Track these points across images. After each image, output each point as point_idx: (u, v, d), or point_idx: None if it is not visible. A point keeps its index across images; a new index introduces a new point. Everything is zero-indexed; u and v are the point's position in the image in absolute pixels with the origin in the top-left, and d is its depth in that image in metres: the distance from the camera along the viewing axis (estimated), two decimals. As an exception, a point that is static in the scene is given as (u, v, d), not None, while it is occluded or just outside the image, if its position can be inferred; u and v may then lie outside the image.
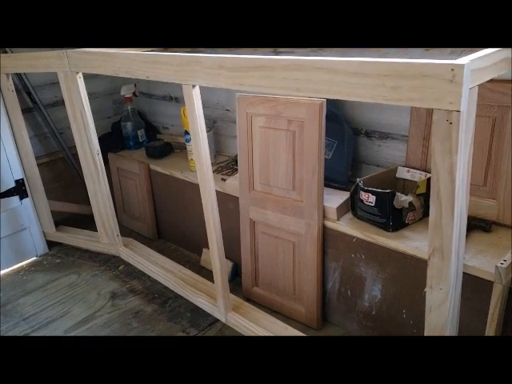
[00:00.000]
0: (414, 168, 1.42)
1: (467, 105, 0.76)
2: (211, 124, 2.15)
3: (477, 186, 1.31)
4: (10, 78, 1.92)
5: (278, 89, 1.02)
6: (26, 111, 2.19)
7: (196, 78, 1.21)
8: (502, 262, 1.06)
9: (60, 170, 2.42)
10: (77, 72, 1.67)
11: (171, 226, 2.14)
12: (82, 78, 1.69)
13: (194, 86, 1.25)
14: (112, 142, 2.39)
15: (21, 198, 2.04)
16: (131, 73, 1.42)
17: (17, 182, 2.02)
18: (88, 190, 1.95)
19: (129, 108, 2.32)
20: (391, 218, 1.30)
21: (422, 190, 1.33)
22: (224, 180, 1.81)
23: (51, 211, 2.17)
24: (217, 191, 1.73)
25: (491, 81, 0.85)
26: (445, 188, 0.81)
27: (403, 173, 1.44)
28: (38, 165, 2.12)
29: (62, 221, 2.29)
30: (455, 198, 0.81)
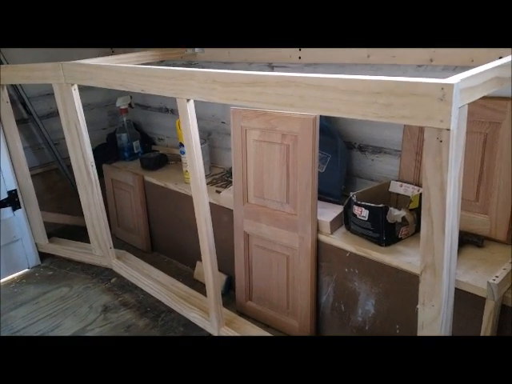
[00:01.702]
0: (406, 182, 1.43)
1: (457, 123, 0.76)
2: (206, 136, 2.16)
3: (469, 201, 1.31)
4: (5, 90, 1.92)
5: (272, 104, 1.02)
6: (20, 122, 2.20)
7: (190, 92, 1.22)
8: (494, 278, 1.06)
9: (54, 181, 2.41)
10: (72, 84, 1.67)
11: (165, 239, 2.13)
12: (76, 90, 1.69)
13: (188, 100, 1.26)
14: (107, 153, 2.39)
15: (13, 209, 2.03)
16: (125, 86, 1.42)
17: (10, 192, 2.01)
18: (81, 201, 1.94)
19: (124, 119, 2.32)
20: (384, 232, 1.30)
21: (414, 204, 1.34)
22: (218, 192, 1.81)
23: (44, 222, 2.16)
24: (211, 203, 1.73)
25: (483, 97, 0.86)
26: (436, 204, 0.82)
27: (396, 187, 1.44)
28: (32, 176, 2.12)
29: (55, 232, 2.28)
30: (446, 215, 0.81)
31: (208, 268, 1.50)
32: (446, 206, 0.80)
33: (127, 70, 1.39)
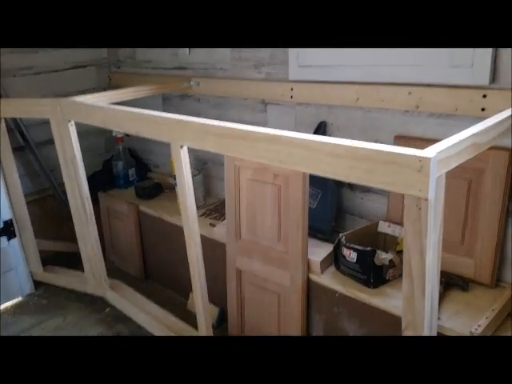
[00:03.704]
0: (394, 223, 1.47)
1: (435, 192, 0.80)
2: (201, 165, 2.20)
3: (454, 244, 1.35)
4: (3, 122, 1.96)
5: (262, 158, 1.06)
6: (17, 149, 2.23)
7: (184, 139, 1.26)
8: (476, 327, 1.09)
9: (50, 207, 2.44)
10: (69, 120, 1.71)
11: (159, 268, 2.16)
12: (73, 126, 1.72)
13: (182, 146, 1.29)
14: (103, 180, 2.42)
15: (8, 239, 2.05)
16: (121, 127, 1.46)
17: (5, 222, 2.03)
18: (76, 232, 1.97)
19: (120, 148, 2.36)
20: (372, 274, 1.34)
21: (402, 246, 1.37)
22: (212, 225, 1.84)
23: (39, 250, 2.18)
24: (205, 237, 1.77)
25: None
26: (416, 267, 0.85)
27: (384, 227, 1.48)
28: (28, 202, 2.14)
29: (50, 258, 2.29)
30: (426, 278, 0.85)
31: (199, 302, 1.53)
32: (426, 269, 0.84)
33: (123, 113, 1.42)
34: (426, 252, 0.83)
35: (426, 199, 0.79)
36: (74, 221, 1.95)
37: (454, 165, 0.84)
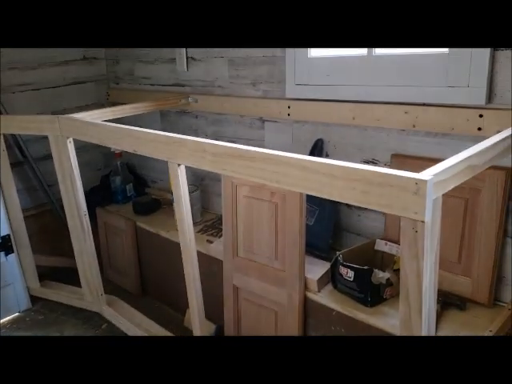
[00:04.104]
0: (392, 241, 1.47)
1: (431, 214, 0.80)
2: (199, 181, 2.20)
3: (452, 263, 1.35)
4: (2, 138, 1.96)
5: (259, 178, 1.06)
6: (16, 165, 2.23)
7: (181, 157, 1.26)
8: (474, 348, 1.09)
9: (47, 222, 2.43)
10: (67, 137, 1.71)
11: (156, 284, 2.15)
12: (72, 143, 1.73)
13: (179, 165, 1.30)
14: (100, 195, 2.42)
15: (6, 254, 2.05)
16: (119, 144, 1.47)
17: (3, 238, 2.03)
18: (74, 248, 1.96)
19: (118, 163, 2.36)
20: (369, 293, 1.33)
21: (399, 265, 1.37)
22: (209, 242, 1.84)
23: (36, 265, 2.17)
24: (202, 253, 1.77)
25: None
26: (413, 290, 0.85)
27: (381, 246, 1.48)
28: (26, 217, 2.14)
29: (47, 272, 2.28)
30: (423, 300, 0.84)
31: (196, 319, 1.52)
32: (423, 292, 0.84)
33: (121, 130, 1.43)
34: (423, 274, 0.83)
35: (423, 222, 0.79)
36: (72, 236, 1.94)
37: (450, 187, 0.84)
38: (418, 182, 0.78)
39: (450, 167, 0.83)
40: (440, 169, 0.81)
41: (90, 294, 2.01)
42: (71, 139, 1.73)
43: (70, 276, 2.23)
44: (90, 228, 1.89)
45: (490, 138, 0.98)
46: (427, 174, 0.78)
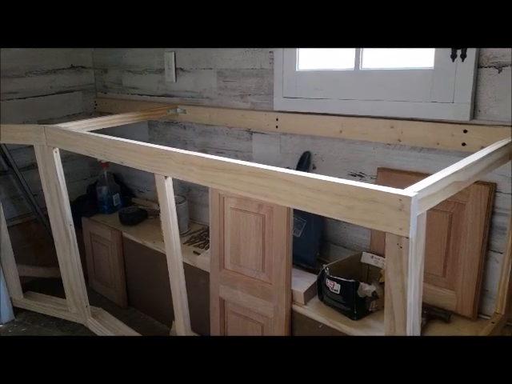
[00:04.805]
0: (377, 254, 1.48)
1: (416, 231, 0.81)
2: (186, 192, 2.20)
3: (436, 276, 1.37)
4: (-13, 147, 1.94)
5: (246, 192, 1.06)
6: (0, 174, 2.21)
7: (168, 170, 1.26)
8: (458, 362, 1.09)
9: (32, 232, 2.40)
10: (53, 147, 1.70)
11: (142, 295, 2.13)
12: (58, 153, 1.71)
13: (166, 177, 1.29)
14: (87, 205, 2.40)
15: (-11, 265, 2.01)
16: (106, 156, 1.46)
17: (-14, 248, 1.99)
18: (58, 259, 1.93)
19: (105, 173, 2.35)
20: (355, 306, 1.33)
21: (384, 278, 1.38)
22: (196, 253, 1.83)
23: (20, 276, 2.14)
24: (188, 265, 1.76)
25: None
26: (398, 305, 0.85)
27: (368, 258, 1.48)
28: (10, 226, 2.11)
29: (31, 283, 2.24)
30: (407, 315, 0.85)
31: (182, 331, 1.50)
32: (407, 307, 0.84)
33: (108, 141, 1.42)
34: (407, 289, 0.83)
35: (407, 238, 0.80)
36: (56, 247, 1.92)
37: (435, 203, 0.85)
38: (402, 198, 0.78)
39: (435, 183, 0.84)
40: (425, 185, 0.82)
41: (74, 305, 1.98)
42: (57, 149, 1.71)
43: (54, 287, 2.20)
44: (76, 239, 1.87)
45: (474, 154, 1.00)
46: (411, 191, 0.79)
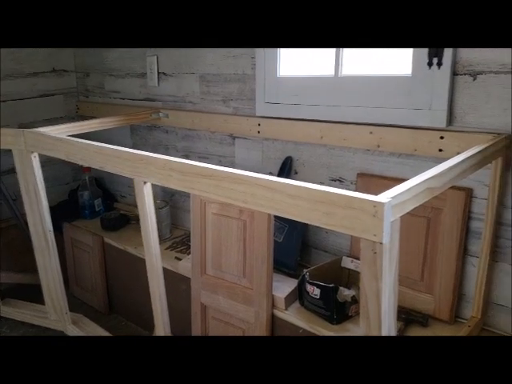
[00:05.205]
0: (357, 258, 1.49)
1: (390, 236, 0.82)
2: (169, 197, 2.19)
3: (414, 281, 1.38)
4: (-36, 151, 1.91)
5: (226, 198, 1.06)
6: (-21, 179, 2.17)
7: (148, 175, 1.25)
8: (435, 365, 1.11)
9: (12, 237, 2.36)
10: (32, 152, 1.68)
11: (123, 301, 2.11)
12: (37, 158, 1.69)
13: (145, 183, 1.29)
14: (68, 210, 2.37)
15: (-34, 271, 1.97)
16: (85, 161, 1.45)
17: (-37, 254, 1.96)
18: (38, 265, 1.91)
19: (87, 177, 2.33)
20: (335, 311, 1.34)
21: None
22: (178, 259, 1.82)
23: (-1, 282, 2.11)
24: (169, 270, 1.75)
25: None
26: (372, 309, 0.86)
27: (347, 263, 1.50)
28: (-11, 232, 2.08)
29: (9, 289, 2.20)
30: (382, 319, 0.86)
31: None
32: (382, 311, 0.85)
33: (88, 146, 1.41)
34: (382, 294, 0.84)
35: (381, 243, 0.81)
36: (36, 253, 1.89)
37: (409, 209, 0.87)
38: (375, 204, 0.79)
39: (408, 189, 0.86)
40: (398, 191, 0.83)
41: (54, 312, 1.95)
42: (36, 154, 1.69)
43: (33, 293, 2.16)
44: (55, 245, 1.85)
45: (448, 161, 1.01)
46: (385, 197, 0.80)
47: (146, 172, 1.25)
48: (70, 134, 1.70)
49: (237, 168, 1.75)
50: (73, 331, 1.94)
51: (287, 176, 1.68)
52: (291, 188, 0.92)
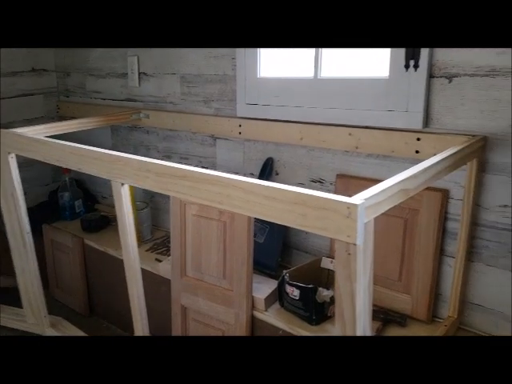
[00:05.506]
0: (337, 259, 1.49)
1: (363, 237, 0.83)
2: (149, 198, 2.17)
3: (392, 281, 1.40)
4: None
5: (203, 199, 1.06)
6: (-45, 180, 2.12)
7: (125, 176, 1.24)
8: (411, 364, 1.12)
9: (-11, 240, 2.32)
10: (9, 152, 1.65)
11: (104, 303, 2.09)
12: (14, 158, 1.67)
13: (123, 184, 1.28)
14: (48, 211, 2.34)
15: None
16: (62, 162, 1.43)
17: None
18: (15, 267, 1.88)
19: (67, 179, 2.30)
20: (314, 312, 1.35)
21: (343, 283, 1.40)
22: (158, 261, 1.81)
23: (-25, 286, 2.07)
24: (149, 272, 1.74)
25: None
26: (348, 310, 0.87)
27: (327, 263, 1.50)
28: (-34, 235, 2.04)
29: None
30: (357, 319, 0.86)
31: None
32: (356, 311, 0.86)
33: (65, 147, 1.39)
34: (356, 295, 0.85)
35: (355, 244, 0.81)
36: (13, 255, 1.86)
37: (382, 210, 0.87)
38: (349, 206, 0.80)
39: (382, 191, 0.86)
40: (372, 193, 0.84)
41: (32, 315, 1.92)
42: (13, 155, 1.66)
43: (11, 297, 2.13)
44: (33, 247, 1.82)
45: (422, 162, 1.02)
46: (358, 199, 0.81)
47: (123, 173, 1.24)
48: (49, 134, 1.68)
49: (218, 169, 1.76)
50: (52, 334, 1.91)
51: (268, 177, 1.68)
52: (266, 190, 0.93)
